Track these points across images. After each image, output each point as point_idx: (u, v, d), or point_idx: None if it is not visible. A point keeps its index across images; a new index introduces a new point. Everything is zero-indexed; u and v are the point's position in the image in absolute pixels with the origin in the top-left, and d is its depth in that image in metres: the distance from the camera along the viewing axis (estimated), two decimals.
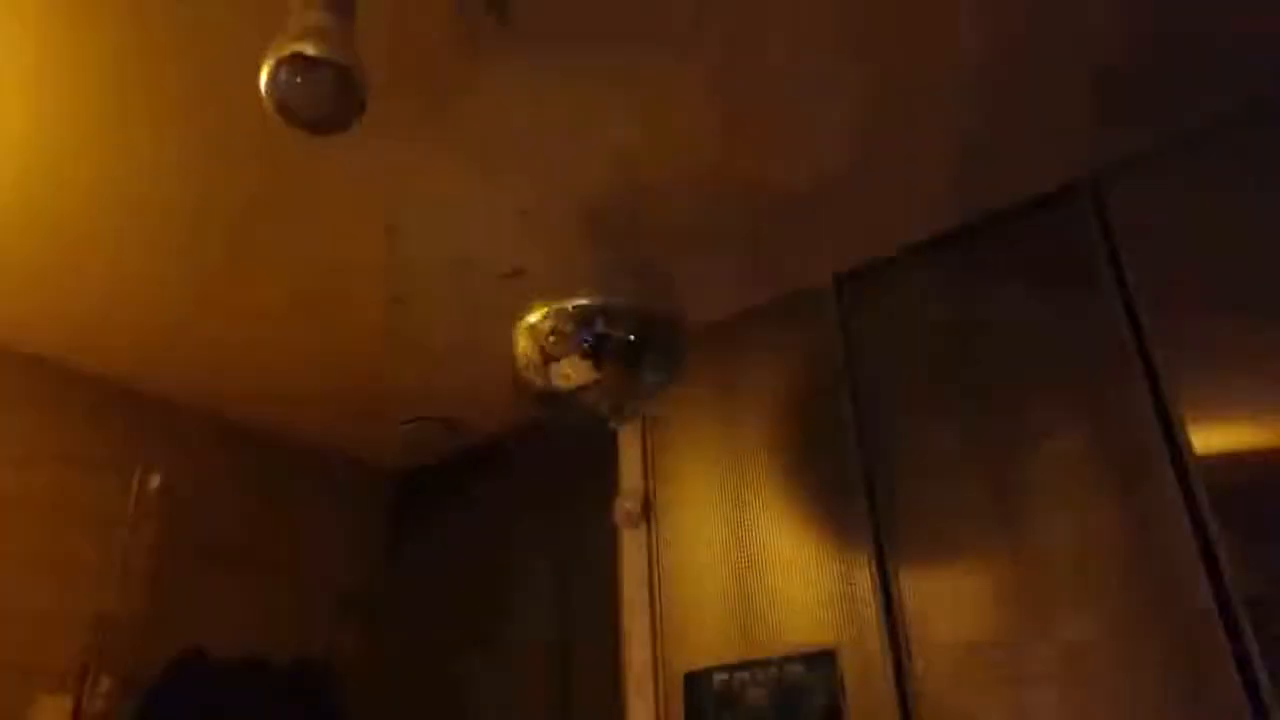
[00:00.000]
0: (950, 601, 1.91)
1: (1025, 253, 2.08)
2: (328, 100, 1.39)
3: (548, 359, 1.93)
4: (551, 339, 1.91)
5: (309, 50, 1.33)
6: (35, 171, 1.96)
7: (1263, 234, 1.74)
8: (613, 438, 2.67)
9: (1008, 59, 1.72)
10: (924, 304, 2.21)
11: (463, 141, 1.90)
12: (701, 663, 2.25)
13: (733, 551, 2.32)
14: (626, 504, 2.55)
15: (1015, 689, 1.76)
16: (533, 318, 1.92)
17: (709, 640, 2.27)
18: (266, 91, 1.36)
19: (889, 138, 1.91)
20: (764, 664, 2.15)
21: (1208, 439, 1.68)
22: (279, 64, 1.34)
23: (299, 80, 1.36)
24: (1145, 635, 1.65)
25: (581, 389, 1.95)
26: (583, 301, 1.89)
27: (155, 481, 2.69)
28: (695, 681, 2.25)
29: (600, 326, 1.89)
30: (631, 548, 2.52)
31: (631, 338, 1.93)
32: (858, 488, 2.14)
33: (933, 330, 2.17)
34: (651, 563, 2.46)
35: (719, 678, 2.21)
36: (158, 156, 1.93)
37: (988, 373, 2.04)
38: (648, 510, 2.53)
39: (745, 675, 2.17)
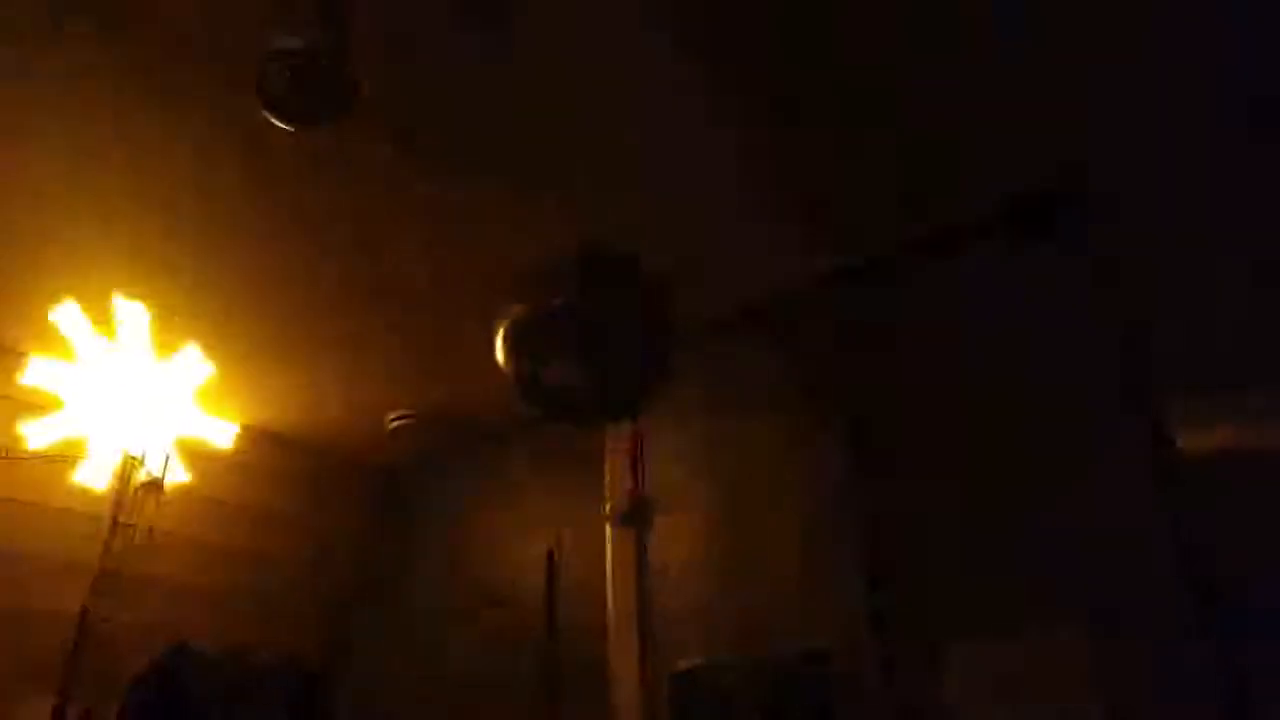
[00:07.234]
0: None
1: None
2: (318, 95, 1.39)
3: (538, 359, 1.92)
4: (541, 338, 1.90)
5: (297, 45, 1.33)
6: None
7: None
8: (602, 436, 2.67)
9: None
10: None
11: None
12: (689, 661, 2.24)
13: (724, 550, 2.31)
14: (616, 501, 2.54)
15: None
16: (521, 318, 1.91)
17: (697, 638, 2.26)
18: (258, 89, 1.36)
19: None
20: (754, 663, 2.13)
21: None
22: (268, 60, 1.34)
23: (289, 76, 1.36)
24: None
25: (571, 388, 1.94)
26: (570, 301, 1.87)
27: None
28: (681, 680, 2.25)
29: (588, 326, 1.87)
30: (619, 545, 2.52)
31: (622, 337, 1.91)
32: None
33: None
34: (640, 560, 2.46)
35: (706, 676, 2.20)
36: None
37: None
38: (637, 507, 2.53)
39: (733, 675, 2.16)
